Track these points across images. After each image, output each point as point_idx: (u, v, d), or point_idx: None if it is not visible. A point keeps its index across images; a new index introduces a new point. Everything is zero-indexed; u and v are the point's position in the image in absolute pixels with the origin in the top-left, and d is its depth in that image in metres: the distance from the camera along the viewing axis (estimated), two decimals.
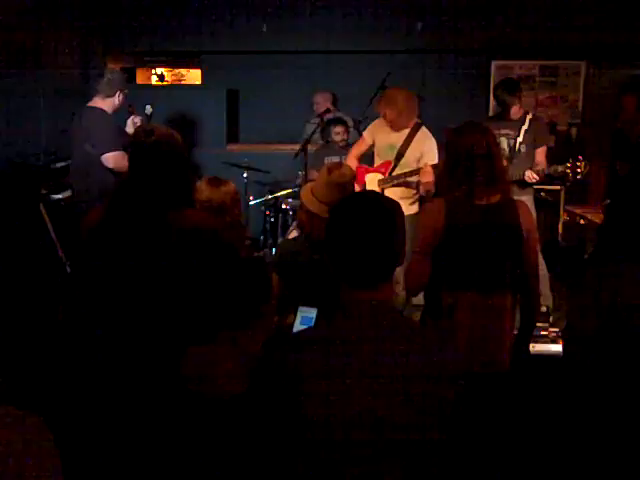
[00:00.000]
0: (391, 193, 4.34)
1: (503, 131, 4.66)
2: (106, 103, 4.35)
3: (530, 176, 4.45)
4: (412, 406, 1.44)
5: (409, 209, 4.35)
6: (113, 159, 4.20)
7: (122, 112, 4.57)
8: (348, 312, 1.52)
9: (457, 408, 1.51)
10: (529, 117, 4.67)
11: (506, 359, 2.64)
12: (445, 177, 2.66)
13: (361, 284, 1.51)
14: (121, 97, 4.39)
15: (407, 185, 4.42)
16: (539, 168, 4.48)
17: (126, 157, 4.05)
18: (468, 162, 2.55)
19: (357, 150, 4.67)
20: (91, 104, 4.37)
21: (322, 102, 6.42)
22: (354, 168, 3.92)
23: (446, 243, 2.55)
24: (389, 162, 4.46)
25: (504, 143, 4.66)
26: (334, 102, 6.57)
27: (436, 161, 4.33)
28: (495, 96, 4.76)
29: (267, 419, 1.52)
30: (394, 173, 4.45)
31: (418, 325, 1.60)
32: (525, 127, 4.62)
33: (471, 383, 2.27)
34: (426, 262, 2.58)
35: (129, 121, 4.65)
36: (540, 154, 4.66)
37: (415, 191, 4.43)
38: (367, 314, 1.49)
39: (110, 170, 4.20)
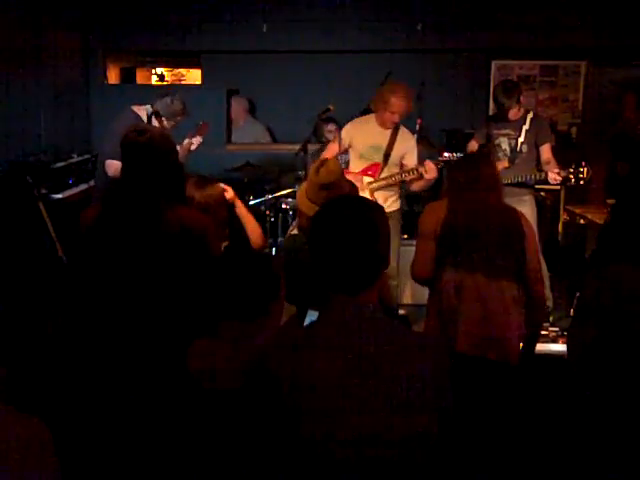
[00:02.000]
0: (379, 193, 4.43)
1: (504, 131, 4.64)
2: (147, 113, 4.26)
3: (553, 177, 4.35)
4: (398, 410, 1.44)
5: (394, 205, 4.49)
6: (114, 168, 3.99)
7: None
8: (331, 316, 1.50)
9: (447, 408, 1.50)
10: (530, 116, 4.64)
11: (513, 350, 2.69)
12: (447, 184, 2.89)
13: (343, 289, 1.50)
14: (162, 121, 4.27)
15: (393, 184, 4.47)
16: (555, 169, 4.39)
17: None
18: (475, 185, 2.79)
19: (331, 152, 4.45)
20: (135, 107, 4.30)
21: (235, 107, 6.70)
22: None
23: (445, 231, 2.72)
24: (377, 164, 4.44)
25: (505, 143, 4.64)
26: (251, 109, 6.83)
27: (416, 161, 4.40)
28: (494, 98, 4.73)
29: (254, 416, 1.52)
30: (383, 174, 4.44)
31: (403, 328, 1.58)
32: (526, 127, 4.59)
33: (476, 367, 2.27)
34: (429, 251, 2.74)
35: (187, 140, 4.52)
36: (546, 152, 4.59)
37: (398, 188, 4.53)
38: (349, 319, 1.48)
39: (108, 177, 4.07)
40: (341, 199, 1.68)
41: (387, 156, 4.41)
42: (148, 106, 4.52)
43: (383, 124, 4.38)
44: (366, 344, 1.46)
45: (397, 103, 4.23)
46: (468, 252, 2.71)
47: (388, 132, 4.41)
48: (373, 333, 1.48)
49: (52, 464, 1.16)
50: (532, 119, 4.62)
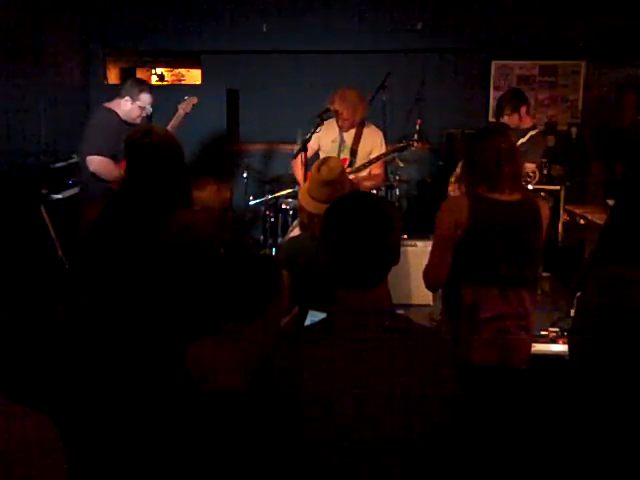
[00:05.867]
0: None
1: None
2: (119, 105, 4.27)
3: None
4: (405, 407, 1.44)
5: None
6: (95, 163, 4.06)
7: None
8: (342, 312, 1.51)
9: (455, 407, 1.50)
10: (531, 133, 4.69)
11: (526, 356, 2.66)
12: (467, 174, 2.65)
13: (354, 285, 1.51)
14: (128, 105, 4.24)
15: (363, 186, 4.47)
16: None
17: (112, 165, 4.08)
18: (495, 158, 2.56)
19: (303, 157, 4.34)
20: (107, 104, 4.32)
21: None
22: (301, 177, 4.25)
23: (469, 240, 2.53)
24: (345, 159, 4.49)
25: None
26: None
27: (384, 150, 4.50)
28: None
29: (263, 416, 1.52)
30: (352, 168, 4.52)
31: (414, 325, 1.58)
32: (523, 140, 4.63)
33: (487, 376, 2.25)
34: (446, 258, 2.57)
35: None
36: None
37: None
38: (359, 315, 1.49)
39: (94, 174, 4.09)
40: (353, 195, 1.71)
41: (354, 152, 4.50)
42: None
43: (340, 126, 4.51)
44: (377, 339, 1.46)
45: (337, 108, 4.40)
46: (486, 266, 2.54)
47: (353, 131, 4.50)
48: (382, 329, 1.48)
49: (59, 461, 1.16)
50: (532, 136, 4.68)
